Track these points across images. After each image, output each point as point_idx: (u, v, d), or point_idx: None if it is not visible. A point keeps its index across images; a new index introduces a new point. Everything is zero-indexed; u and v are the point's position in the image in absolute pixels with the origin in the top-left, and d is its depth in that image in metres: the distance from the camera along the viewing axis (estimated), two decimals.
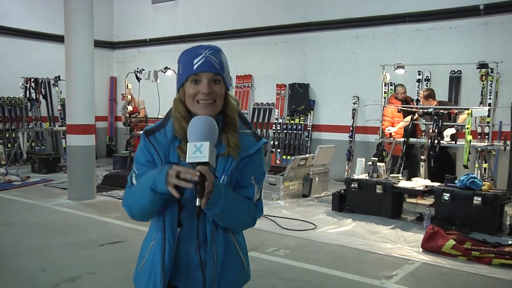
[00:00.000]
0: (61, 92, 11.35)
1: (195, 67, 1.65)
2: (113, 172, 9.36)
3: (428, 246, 5.04)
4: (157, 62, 11.76)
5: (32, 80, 10.64)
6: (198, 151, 1.50)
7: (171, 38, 12.32)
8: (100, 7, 12.59)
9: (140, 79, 9.83)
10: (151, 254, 1.75)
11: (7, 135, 11.43)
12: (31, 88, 10.64)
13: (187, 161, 1.53)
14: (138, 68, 9.98)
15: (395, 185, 6.47)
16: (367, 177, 6.84)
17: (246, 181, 1.76)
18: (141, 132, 1.80)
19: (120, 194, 7.88)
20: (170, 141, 1.71)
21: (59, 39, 10.12)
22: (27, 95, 10.63)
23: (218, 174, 1.68)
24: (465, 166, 6.67)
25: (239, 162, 1.71)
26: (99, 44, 11.85)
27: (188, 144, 1.54)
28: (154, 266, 1.72)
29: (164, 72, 9.80)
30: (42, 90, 10.97)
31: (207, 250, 1.71)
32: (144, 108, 10.47)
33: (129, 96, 10.14)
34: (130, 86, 10.05)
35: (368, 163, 7.09)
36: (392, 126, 7.93)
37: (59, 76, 10.84)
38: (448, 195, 5.87)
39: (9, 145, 11.38)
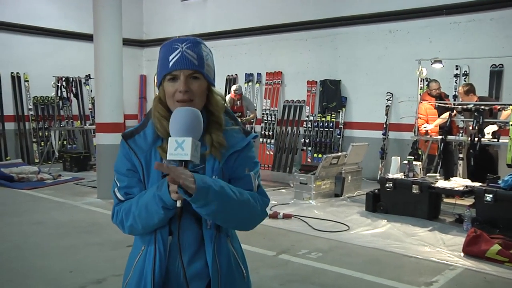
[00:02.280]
0: (91, 91, 11.46)
1: (170, 64, 1.53)
2: None
3: (470, 250, 4.74)
4: None
5: (63, 79, 10.74)
6: (180, 147, 1.38)
7: (200, 35, 12.18)
8: (130, 5, 12.63)
9: None
10: (138, 268, 1.59)
11: (40, 134, 11.57)
12: (62, 87, 10.74)
13: (167, 158, 1.40)
14: None
15: (433, 185, 6.17)
16: (403, 177, 6.55)
17: (240, 174, 1.62)
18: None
19: None
20: (151, 144, 1.58)
21: (89, 38, 10.12)
22: (59, 94, 10.73)
23: (207, 174, 1.56)
24: (509, 165, 6.30)
25: (228, 159, 1.59)
26: (128, 42, 11.89)
27: (169, 139, 1.41)
28: (143, 281, 1.56)
29: None
30: (73, 89, 11.06)
31: (211, 261, 1.55)
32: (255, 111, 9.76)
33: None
34: None
35: (403, 162, 6.81)
36: (427, 124, 7.61)
37: (89, 74, 10.91)
38: (491, 196, 5.53)
39: (42, 144, 11.52)
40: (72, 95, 11.09)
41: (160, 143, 1.57)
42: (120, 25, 7.59)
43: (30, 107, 11.48)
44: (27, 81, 11.42)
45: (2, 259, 4.76)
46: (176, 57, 1.52)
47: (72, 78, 10.95)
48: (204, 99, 1.58)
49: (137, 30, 13.50)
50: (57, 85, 10.68)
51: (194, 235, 1.56)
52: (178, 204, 1.41)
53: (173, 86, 1.53)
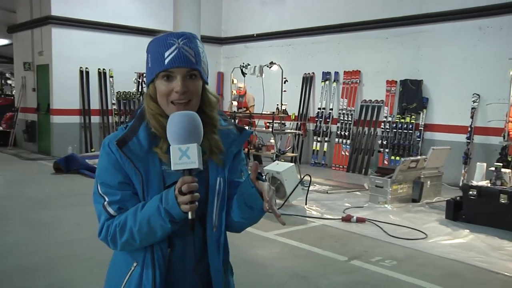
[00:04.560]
0: None
1: (166, 61, 1.37)
2: None
3: None
4: (263, 57, 11.68)
5: (144, 75, 11.12)
6: (185, 155, 1.29)
7: (278, 33, 12.18)
8: (209, 3, 12.85)
9: (246, 74, 9.78)
10: (133, 283, 1.44)
11: None
12: (143, 82, 11.14)
13: (172, 168, 1.30)
14: (243, 63, 9.94)
15: None
16: (489, 184, 6.09)
17: (238, 177, 1.54)
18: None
19: None
20: (147, 151, 1.41)
21: None
22: (139, 90, 11.14)
23: (211, 177, 1.46)
24: None
25: (227, 160, 1.50)
26: (207, 39, 12.12)
27: (171, 147, 1.30)
28: None
29: (270, 67, 9.66)
30: None
31: (221, 265, 1.50)
32: (254, 105, 10.20)
33: (234, 92, 10.11)
34: (235, 81, 10.05)
35: (490, 169, 6.33)
36: None
37: None
38: None
39: None
40: None
41: (156, 144, 1.43)
42: (198, 23, 7.73)
43: (113, 101, 12.02)
44: (111, 77, 11.98)
45: (81, 247, 4.96)
46: (173, 53, 1.38)
47: None
48: (200, 98, 1.45)
49: (215, 28, 13.71)
50: (138, 81, 11.11)
51: (198, 240, 1.46)
52: (190, 216, 1.30)
53: (167, 86, 1.39)
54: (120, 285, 1.46)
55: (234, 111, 9.68)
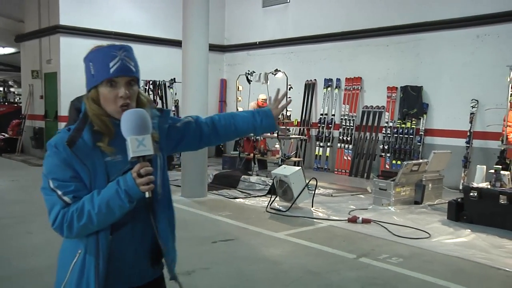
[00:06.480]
0: (175, 94, 12.04)
1: (111, 70, 1.60)
2: (222, 172, 9.66)
3: None
4: (266, 64, 11.96)
5: (151, 82, 11.38)
6: (142, 144, 1.53)
7: (280, 40, 12.45)
8: (213, 12, 13.08)
9: (251, 81, 10.04)
10: (77, 270, 1.62)
11: None
12: (149, 90, 11.40)
13: (131, 155, 1.52)
14: (249, 71, 10.20)
15: None
16: (489, 186, 6.35)
17: (185, 128, 1.88)
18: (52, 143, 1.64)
19: (230, 193, 8.12)
20: (92, 147, 1.61)
21: (175, 44, 10.71)
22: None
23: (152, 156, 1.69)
24: None
25: (161, 138, 1.75)
26: (210, 47, 12.25)
27: (129, 138, 1.53)
28: (85, 280, 1.61)
29: (275, 74, 9.92)
30: (159, 91, 11.69)
31: (162, 237, 1.72)
32: None
33: (240, 98, 10.37)
34: (241, 88, 10.30)
35: (489, 171, 6.59)
36: None
37: (174, 78, 11.49)
38: None
39: None
40: (158, 97, 11.73)
41: (100, 140, 1.62)
42: (207, 33, 7.94)
43: None
44: None
45: None
46: (117, 64, 1.60)
47: (158, 82, 11.56)
48: (136, 101, 1.69)
49: (218, 36, 13.95)
50: (145, 88, 11.35)
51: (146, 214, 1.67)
52: (147, 195, 1.54)
53: (111, 92, 1.61)
54: (66, 274, 1.63)
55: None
